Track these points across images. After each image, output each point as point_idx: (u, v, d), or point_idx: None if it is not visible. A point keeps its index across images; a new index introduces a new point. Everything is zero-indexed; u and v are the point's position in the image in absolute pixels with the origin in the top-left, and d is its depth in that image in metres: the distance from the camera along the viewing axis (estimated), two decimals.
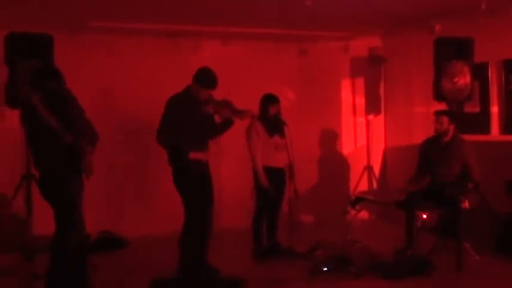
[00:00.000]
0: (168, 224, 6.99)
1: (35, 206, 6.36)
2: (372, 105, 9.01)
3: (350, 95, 9.06)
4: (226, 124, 5.78)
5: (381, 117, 9.04)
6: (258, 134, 6.40)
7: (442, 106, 7.11)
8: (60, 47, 6.42)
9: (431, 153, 6.46)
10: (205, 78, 5.58)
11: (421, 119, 7.95)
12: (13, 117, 6.46)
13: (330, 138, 8.93)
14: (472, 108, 7.38)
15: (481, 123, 7.36)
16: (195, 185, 5.51)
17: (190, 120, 5.44)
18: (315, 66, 8.66)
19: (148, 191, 7.80)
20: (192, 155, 5.46)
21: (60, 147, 4.58)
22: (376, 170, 8.97)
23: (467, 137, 6.63)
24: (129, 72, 7.71)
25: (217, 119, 5.79)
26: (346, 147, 9.05)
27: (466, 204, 6.00)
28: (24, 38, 6.23)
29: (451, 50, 6.92)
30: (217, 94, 5.68)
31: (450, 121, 6.34)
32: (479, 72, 7.18)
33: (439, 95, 6.98)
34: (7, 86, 6.26)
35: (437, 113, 6.43)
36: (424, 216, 6.26)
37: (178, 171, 5.56)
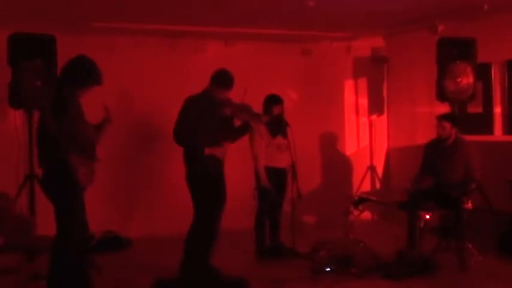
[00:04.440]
0: (171, 225, 7.01)
1: (37, 206, 6.37)
2: (375, 106, 9.01)
3: (353, 96, 9.06)
4: (244, 128, 5.80)
5: (384, 117, 9.03)
6: (260, 134, 6.40)
7: (445, 106, 7.11)
8: (63, 47, 6.44)
9: (435, 156, 6.44)
10: (223, 78, 5.59)
11: (424, 120, 7.94)
12: (16, 117, 6.48)
13: (332, 138, 8.93)
14: (475, 108, 7.38)
15: (484, 123, 7.36)
16: (208, 186, 5.50)
17: (208, 121, 5.44)
18: (317, 66, 8.66)
19: (152, 191, 7.80)
20: (208, 151, 5.46)
21: (55, 152, 4.53)
22: (379, 170, 8.96)
23: (471, 138, 6.62)
24: (133, 73, 7.71)
25: (236, 122, 5.81)
26: (349, 147, 9.05)
27: (469, 205, 6.01)
28: (27, 38, 6.26)
29: (454, 51, 6.92)
30: (234, 93, 5.69)
31: (452, 126, 6.30)
32: (482, 73, 7.18)
33: (442, 96, 6.98)
34: (10, 86, 6.28)
35: (439, 119, 6.35)
36: (427, 216, 6.25)
37: (193, 171, 5.56)
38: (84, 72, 4.69)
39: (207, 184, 5.50)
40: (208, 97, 5.58)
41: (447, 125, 6.28)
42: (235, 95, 5.66)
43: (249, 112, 5.68)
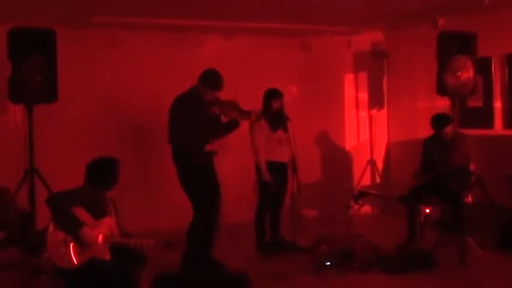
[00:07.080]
0: (171, 219, 7.01)
1: (38, 200, 6.36)
2: (375, 100, 9.01)
3: (353, 90, 9.06)
4: (232, 125, 5.79)
5: (384, 111, 9.04)
6: (261, 128, 6.40)
7: (445, 101, 7.10)
8: (63, 42, 6.42)
9: (434, 150, 6.44)
10: (211, 80, 5.60)
11: (424, 114, 7.90)
12: (17, 112, 6.47)
13: (332, 132, 8.93)
14: (475, 102, 7.38)
15: (484, 117, 7.36)
16: (198, 181, 5.55)
17: (196, 120, 5.45)
18: (317, 61, 8.65)
19: (152, 186, 7.80)
20: (208, 147, 5.56)
21: None
22: (379, 164, 8.97)
23: (471, 132, 6.63)
24: (133, 68, 7.70)
25: (224, 119, 5.81)
26: (349, 141, 9.05)
27: (469, 199, 6.02)
28: (27, 33, 6.22)
29: (455, 45, 6.90)
30: (225, 93, 5.68)
31: (451, 125, 6.32)
32: (483, 67, 7.17)
33: (442, 90, 6.97)
34: (10, 81, 6.26)
35: (439, 128, 6.30)
36: (427, 210, 6.26)
37: (182, 167, 5.58)
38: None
39: (196, 180, 5.56)
40: (196, 96, 5.59)
41: (448, 129, 6.28)
42: (226, 95, 5.67)
43: (237, 110, 5.68)
